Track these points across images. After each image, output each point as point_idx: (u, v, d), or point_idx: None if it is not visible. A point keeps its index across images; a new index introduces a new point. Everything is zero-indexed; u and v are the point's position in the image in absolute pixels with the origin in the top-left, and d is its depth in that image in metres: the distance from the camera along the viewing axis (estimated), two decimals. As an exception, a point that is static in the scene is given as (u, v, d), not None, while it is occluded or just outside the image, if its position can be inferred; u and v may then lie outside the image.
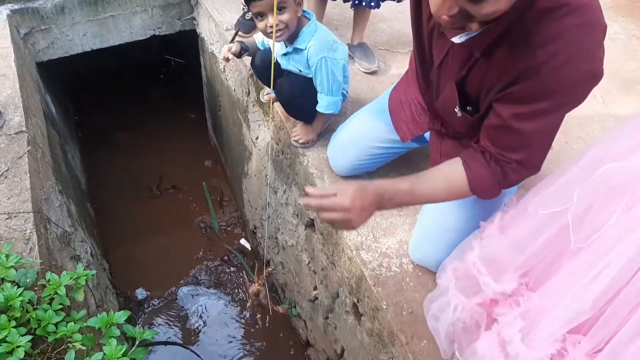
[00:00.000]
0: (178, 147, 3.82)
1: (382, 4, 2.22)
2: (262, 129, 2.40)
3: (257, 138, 2.48)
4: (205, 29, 2.94)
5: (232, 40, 1.86)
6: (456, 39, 1.15)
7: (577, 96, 1.10)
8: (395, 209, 1.21)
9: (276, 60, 1.89)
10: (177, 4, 3.03)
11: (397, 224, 1.79)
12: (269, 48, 1.92)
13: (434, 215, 1.64)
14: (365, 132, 1.82)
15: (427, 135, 1.69)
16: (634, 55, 2.67)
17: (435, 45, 1.33)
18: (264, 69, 1.95)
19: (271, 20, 1.63)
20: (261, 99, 2.24)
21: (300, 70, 1.83)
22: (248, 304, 1.60)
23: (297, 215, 2.19)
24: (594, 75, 1.07)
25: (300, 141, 2.00)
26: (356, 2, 2.18)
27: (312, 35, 1.75)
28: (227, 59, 1.80)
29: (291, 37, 1.75)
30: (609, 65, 2.58)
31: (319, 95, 1.84)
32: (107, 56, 3.40)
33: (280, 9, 1.63)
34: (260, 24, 1.68)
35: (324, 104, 1.85)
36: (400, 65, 2.46)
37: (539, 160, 1.25)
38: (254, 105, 2.44)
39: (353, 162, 1.85)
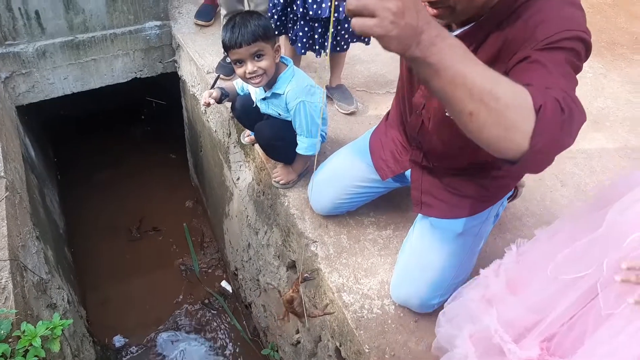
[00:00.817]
0: (159, 188, 3.80)
1: (356, 46, 2.29)
2: (243, 169, 2.41)
3: (238, 179, 2.48)
4: (186, 72, 2.98)
5: (213, 86, 1.89)
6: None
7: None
8: (425, 61, 0.70)
9: (255, 104, 1.92)
10: (158, 47, 3.07)
11: (377, 264, 1.79)
12: (249, 93, 1.96)
13: (413, 254, 1.65)
14: (345, 171, 1.85)
15: (408, 174, 1.71)
16: (602, 93, 2.78)
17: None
18: (244, 113, 1.98)
19: (250, 66, 1.67)
20: (242, 140, 2.26)
21: (279, 114, 1.87)
22: (280, 315, 1.55)
23: (279, 257, 2.18)
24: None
25: (281, 182, 2.01)
26: (320, 51, 2.23)
27: (289, 80, 1.79)
28: (208, 104, 1.83)
29: (269, 83, 1.79)
30: (579, 104, 2.68)
31: (298, 137, 1.87)
32: (88, 98, 3.41)
33: (259, 56, 1.68)
34: (239, 71, 1.72)
35: (304, 145, 1.87)
36: (378, 105, 2.51)
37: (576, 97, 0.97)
38: (235, 147, 2.45)
39: (333, 201, 1.86)
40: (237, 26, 1.64)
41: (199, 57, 2.74)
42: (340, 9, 2.10)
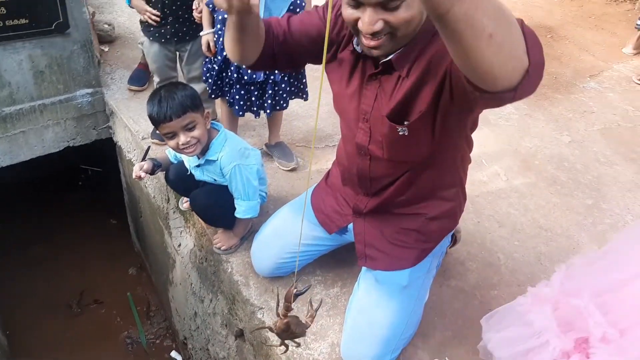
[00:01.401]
0: (100, 256, 3.63)
1: (294, 102, 2.33)
2: (184, 235, 2.34)
3: (179, 245, 2.41)
4: (121, 138, 2.91)
5: (144, 158, 1.85)
6: (375, 54, 1.21)
7: None
8: None
9: (190, 172, 1.89)
10: (91, 114, 3.00)
11: (327, 326, 1.75)
12: (182, 161, 1.92)
13: (361, 312, 1.62)
14: (287, 230, 1.81)
15: (351, 229, 1.70)
16: (528, 133, 2.93)
17: (364, 97, 1.37)
18: (178, 181, 1.94)
19: (182, 138, 1.65)
20: (180, 206, 2.20)
21: (215, 180, 1.84)
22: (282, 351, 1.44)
23: (226, 325, 2.09)
24: None
25: (223, 248, 1.96)
26: (267, 111, 2.25)
27: (222, 145, 1.78)
28: (140, 177, 1.78)
29: (202, 149, 1.77)
30: (508, 144, 2.82)
31: (236, 201, 1.84)
32: (19, 168, 3.26)
33: (191, 128, 1.66)
34: (171, 143, 1.70)
35: (242, 209, 1.85)
36: (318, 160, 2.53)
37: None
38: (174, 212, 2.39)
39: (275, 261, 1.82)
40: (164, 100, 1.61)
41: (134, 122, 2.69)
42: (276, 71, 2.14)
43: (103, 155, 3.55)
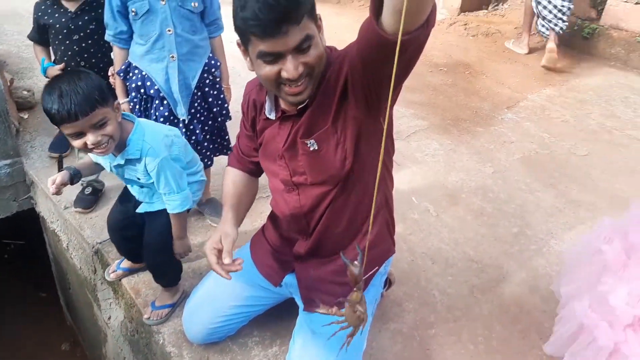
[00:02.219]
0: (30, 333, 3.40)
1: (216, 159, 2.33)
2: (113, 307, 2.23)
3: (109, 318, 2.29)
4: (44, 208, 2.78)
5: (60, 169, 1.66)
6: (299, 99, 1.29)
7: None
8: None
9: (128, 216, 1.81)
10: (10, 186, 2.86)
11: (265, 389, 1.69)
12: (121, 209, 1.83)
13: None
14: (221, 291, 1.75)
15: (289, 282, 1.69)
16: (454, 167, 3.05)
17: (279, 137, 1.44)
18: (119, 230, 1.88)
19: (91, 137, 1.43)
20: (106, 277, 2.10)
21: (138, 179, 1.68)
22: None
23: (163, 400, 1.98)
24: None
25: (181, 252, 1.85)
26: None
27: (142, 140, 1.59)
28: (57, 192, 1.58)
29: (118, 146, 1.56)
30: (434, 178, 2.91)
31: (167, 198, 1.70)
32: None
33: (102, 125, 1.45)
34: (77, 143, 1.46)
35: (177, 203, 1.70)
36: (252, 213, 2.48)
37: None
38: (102, 283, 2.28)
39: (207, 326, 1.75)
40: (66, 95, 1.36)
41: (55, 191, 2.58)
42: (197, 131, 2.13)
43: (27, 226, 3.38)
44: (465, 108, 3.87)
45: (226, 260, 1.43)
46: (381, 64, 1.08)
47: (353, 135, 1.34)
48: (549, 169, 3.07)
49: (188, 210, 1.80)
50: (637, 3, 4.51)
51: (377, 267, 1.65)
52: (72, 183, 1.66)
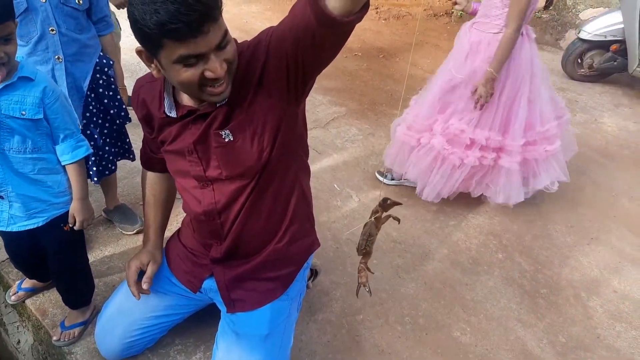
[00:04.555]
0: None
1: (121, 163, 2.20)
2: (21, 331, 2.04)
3: (18, 342, 2.10)
4: None
5: None
6: (222, 97, 1.23)
7: None
8: None
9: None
10: None
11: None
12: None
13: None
14: (134, 301, 1.62)
15: (208, 287, 1.61)
16: (373, 151, 3.08)
17: (189, 134, 1.35)
18: (19, 255, 1.73)
19: None
20: (8, 300, 1.92)
21: (22, 114, 1.39)
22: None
23: None
24: None
25: (81, 219, 1.62)
26: (95, 179, 2.08)
27: (35, 69, 1.43)
28: None
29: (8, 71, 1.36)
30: (355, 163, 2.93)
31: (63, 144, 1.50)
32: None
33: (7, 40, 1.29)
34: None
35: (83, 148, 1.54)
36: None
37: None
38: (6, 307, 2.08)
39: (122, 340, 1.63)
40: None
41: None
42: (96, 136, 1.99)
43: None
44: (381, 92, 3.92)
45: (144, 286, 1.54)
46: (319, 47, 1.10)
47: (272, 125, 1.29)
48: (463, 146, 3.17)
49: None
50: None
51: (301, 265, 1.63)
52: None
